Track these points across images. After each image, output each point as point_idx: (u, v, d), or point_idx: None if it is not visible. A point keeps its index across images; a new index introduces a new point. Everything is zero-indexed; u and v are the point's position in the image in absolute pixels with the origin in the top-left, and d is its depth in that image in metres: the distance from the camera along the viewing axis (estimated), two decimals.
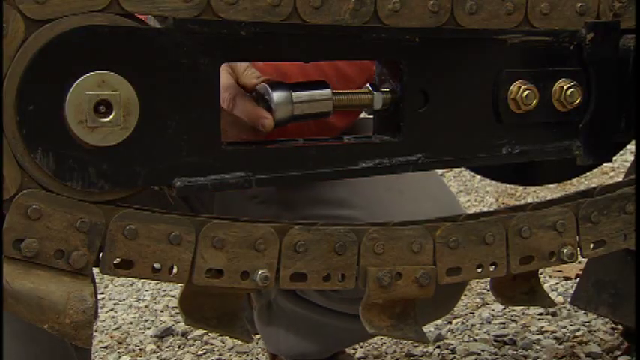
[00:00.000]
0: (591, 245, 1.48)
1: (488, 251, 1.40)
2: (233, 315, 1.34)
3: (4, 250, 1.16)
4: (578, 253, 1.47)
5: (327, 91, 1.36)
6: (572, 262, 1.46)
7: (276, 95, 1.33)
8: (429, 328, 2.72)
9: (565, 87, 1.42)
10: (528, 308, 2.88)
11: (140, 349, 2.98)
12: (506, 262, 1.42)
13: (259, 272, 1.28)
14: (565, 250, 1.45)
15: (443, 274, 1.39)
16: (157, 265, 1.24)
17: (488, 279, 1.54)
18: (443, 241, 1.38)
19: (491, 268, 1.42)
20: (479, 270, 1.41)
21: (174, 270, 1.25)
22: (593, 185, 1.56)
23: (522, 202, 4.03)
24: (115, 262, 1.22)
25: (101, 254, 1.22)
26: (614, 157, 1.55)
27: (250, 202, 1.93)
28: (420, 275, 1.36)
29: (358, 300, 1.94)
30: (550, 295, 1.63)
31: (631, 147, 1.65)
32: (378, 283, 1.34)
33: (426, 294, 1.38)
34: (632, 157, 2.03)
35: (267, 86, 1.34)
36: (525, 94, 1.40)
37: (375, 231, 1.34)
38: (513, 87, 1.40)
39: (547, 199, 1.51)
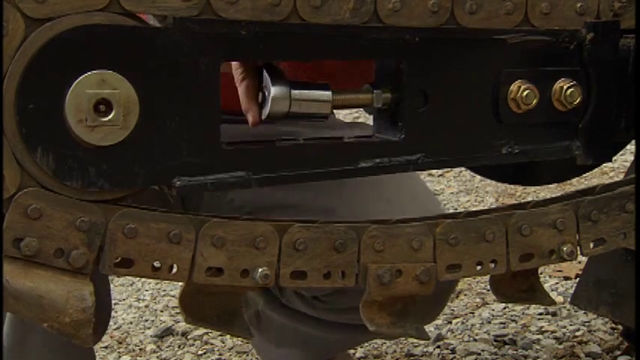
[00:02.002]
0: (591, 244, 1.48)
1: (488, 249, 1.40)
2: (233, 313, 1.34)
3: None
4: (578, 251, 1.47)
5: (327, 94, 1.36)
6: (572, 260, 1.46)
7: (275, 89, 1.33)
8: (428, 328, 2.72)
9: (565, 87, 1.42)
10: (528, 308, 2.89)
11: (140, 349, 2.98)
12: (506, 260, 1.42)
13: (259, 270, 1.28)
14: (565, 248, 1.45)
15: (443, 271, 1.38)
16: (156, 264, 1.24)
17: (489, 278, 1.54)
18: (443, 238, 1.38)
19: (491, 266, 1.42)
20: (479, 267, 1.41)
21: (174, 269, 1.25)
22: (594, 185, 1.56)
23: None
24: (114, 261, 1.22)
25: (102, 253, 1.22)
26: (614, 157, 1.55)
27: (229, 205, 1.92)
28: (420, 272, 1.36)
29: (345, 310, 1.95)
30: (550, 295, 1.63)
31: (631, 147, 1.65)
32: (378, 280, 1.34)
33: (426, 291, 1.38)
34: (632, 157, 2.02)
35: (269, 78, 1.34)
36: (525, 93, 1.40)
37: (375, 228, 1.34)
38: (513, 87, 1.40)
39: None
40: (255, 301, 2.25)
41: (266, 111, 1.35)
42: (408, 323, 1.39)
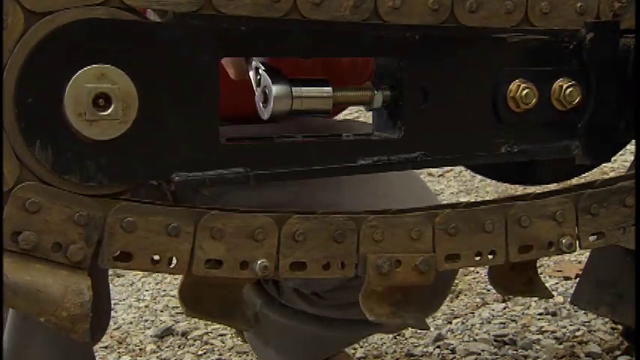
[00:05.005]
0: (590, 237, 1.48)
1: (488, 239, 1.40)
2: (234, 305, 1.34)
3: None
4: (577, 244, 1.47)
5: (328, 90, 1.36)
6: (570, 252, 1.46)
7: (276, 88, 1.33)
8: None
9: (564, 86, 1.42)
10: (528, 308, 2.89)
11: (140, 349, 2.98)
12: (505, 251, 1.42)
13: (259, 262, 1.28)
14: (564, 241, 1.44)
15: (442, 260, 1.39)
16: (155, 257, 1.24)
17: (487, 272, 1.55)
18: (442, 228, 1.38)
19: (490, 257, 1.42)
20: (477, 258, 1.41)
21: (174, 261, 1.25)
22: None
23: None
24: (113, 255, 1.22)
25: (100, 247, 1.22)
26: (614, 157, 1.55)
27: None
28: (420, 262, 1.36)
29: (345, 306, 1.95)
30: None
31: (631, 147, 1.65)
32: (377, 270, 1.34)
33: (425, 281, 1.38)
34: (632, 157, 2.03)
35: (268, 78, 1.34)
36: (525, 93, 1.40)
37: (374, 219, 1.34)
38: (513, 86, 1.40)
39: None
40: (253, 303, 2.25)
41: (268, 111, 1.35)
42: (408, 313, 1.39)
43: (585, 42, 1.42)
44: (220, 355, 2.84)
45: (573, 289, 2.35)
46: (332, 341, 2.24)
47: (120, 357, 2.95)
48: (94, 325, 1.89)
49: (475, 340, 2.69)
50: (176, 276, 1.32)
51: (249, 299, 2.25)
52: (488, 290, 3.03)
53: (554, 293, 2.96)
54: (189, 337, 3.01)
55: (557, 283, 3.10)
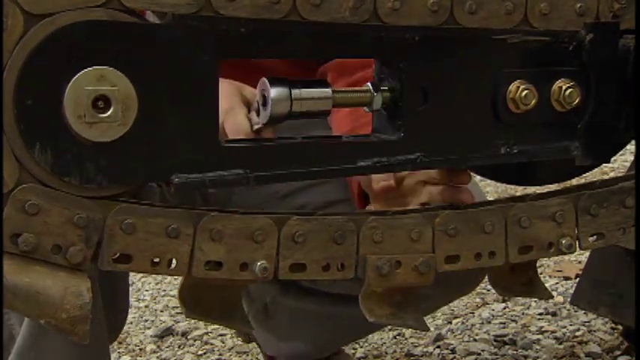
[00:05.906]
0: (590, 238, 1.48)
1: (487, 240, 1.41)
2: (233, 306, 1.35)
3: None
4: (577, 244, 1.47)
5: (327, 90, 1.35)
6: (570, 253, 1.46)
7: (275, 91, 1.33)
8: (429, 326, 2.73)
9: (564, 87, 1.42)
10: (528, 308, 2.89)
11: (140, 349, 2.98)
12: (505, 252, 1.42)
13: (258, 264, 1.28)
14: (564, 242, 1.45)
15: (442, 261, 1.39)
16: (155, 259, 1.24)
17: (488, 279, 1.54)
18: (442, 229, 1.38)
19: (490, 257, 1.42)
20: (477, 259, 1.41)
21: (173, 263, 1.25)
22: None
23: None
24: (113, 257, 1.22)
25: (99, 249, 1.22)
26: (614, 158, 1.55)
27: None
28: (420, 263, 1.36)
29: None
30: None
31: (631, 147, 1.65)
32: (377, 271, 1.34)
33: (425, 282, 1.38)
34: (631, 157, 2.03)
35: (267, 81, 1.34)
36: (524, 94, 1.39)
37: (374, 220, 1.35)
38: (512, 87, 1.40)
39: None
40: (261, 296, 2.24)
41: (267, 114, 1.34)
42: (408, 314, 1.40)
43: (585, 43, 1.42)
44: (220, 355, 2.84)
45: (573, 289, 2.35)
46: (350, 326, 2.21)
47: (120, 357, 2.95)
48: (111, 324, 1.89)
49: (475, 340, 2.69)
50: (176, 276, 1.31)
51: (258, 293, 2.24)
52: (488, 290, 3.03)
53: (554, 293, 2.97)
54: (189, 337, 3.01)
55: (557, 283, 3.11)
